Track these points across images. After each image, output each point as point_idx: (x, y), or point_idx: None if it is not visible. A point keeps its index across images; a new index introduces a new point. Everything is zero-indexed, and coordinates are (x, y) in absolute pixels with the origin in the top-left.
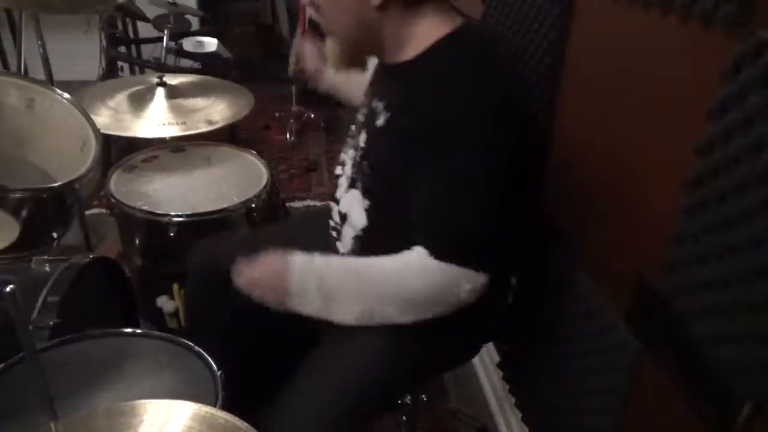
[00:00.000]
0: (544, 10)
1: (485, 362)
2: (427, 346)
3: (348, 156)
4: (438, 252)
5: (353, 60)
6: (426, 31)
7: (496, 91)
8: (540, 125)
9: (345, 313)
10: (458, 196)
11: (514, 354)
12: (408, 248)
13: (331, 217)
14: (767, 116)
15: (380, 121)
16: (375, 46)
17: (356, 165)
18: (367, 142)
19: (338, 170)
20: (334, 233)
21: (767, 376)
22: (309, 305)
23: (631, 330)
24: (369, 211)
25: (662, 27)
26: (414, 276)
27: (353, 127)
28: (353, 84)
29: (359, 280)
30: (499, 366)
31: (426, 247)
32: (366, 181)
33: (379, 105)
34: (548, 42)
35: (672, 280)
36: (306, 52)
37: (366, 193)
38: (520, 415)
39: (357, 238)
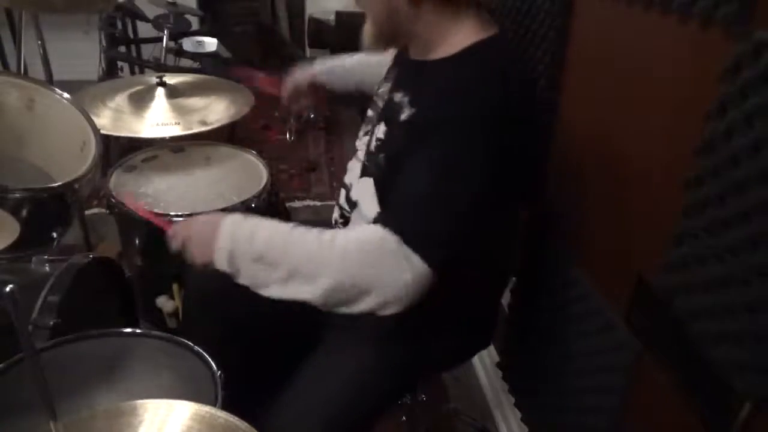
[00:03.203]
0: (544, 10)
1: (485, 362)
2: (423, 347)
3: (362, 142)
4: (404, 236)
5: (385, 43)
6: (461, 36)
7: (505, 104)
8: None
9: (269, 279)
10: (439, 190)
11: (514, 354)
12: None
13: (338, 204)
14: (767, 116)
15: (404, 116)
16: (406, 36)
17: (370, 155)
18: (386, 134)
19: (351, 163)
20: (341, 220)
21: (767, 376)
22: (233, 263)
23: (631, 330)
24: (381, 202)
25: (662, 27)
26: (365, 242)
27: (370, 113)
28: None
29: (291, 236)
30: (499, 366)
31: (392, 229)
32: (380, 173)
33: (404, 99)
34: (548, 42)
35: (672, 280)
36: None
37: (378, 185)
38: (520, 415)
39: None
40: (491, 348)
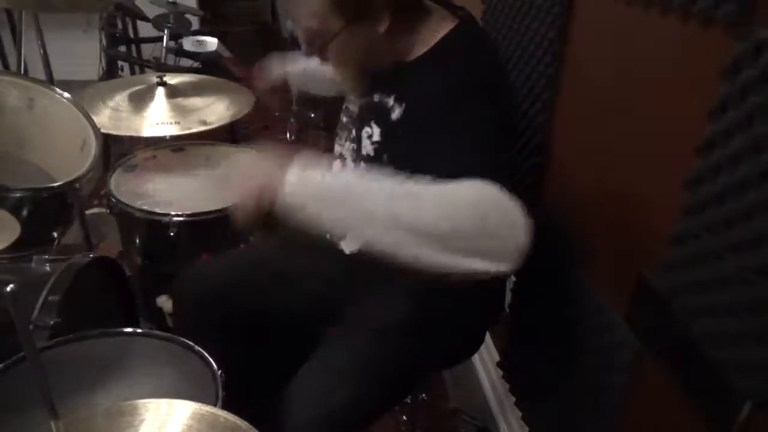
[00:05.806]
0: (544, 10)
1: (485, 362)
2: (426, 341)
3: (347, 148)
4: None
5: (366, 78)
6: (430, 33)
7: (487, 74)
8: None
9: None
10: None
11: (514, 354)
12: None
13: None
14: (767, 116)
15: (395, 114)
16: (383, 60)
17: (370, 159)
18: (383, 135)
19: (337, 165)
20: None
21: (767, 376)
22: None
23: (631, 330)
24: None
25: (662, 27)
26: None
27: (345, 119)
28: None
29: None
30: (499, 366)
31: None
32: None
33: (388, 100)
34: (548, 42)
35: (672, 280)
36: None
37: None
38: (520, 414)
39: None
40: (491, 348)
